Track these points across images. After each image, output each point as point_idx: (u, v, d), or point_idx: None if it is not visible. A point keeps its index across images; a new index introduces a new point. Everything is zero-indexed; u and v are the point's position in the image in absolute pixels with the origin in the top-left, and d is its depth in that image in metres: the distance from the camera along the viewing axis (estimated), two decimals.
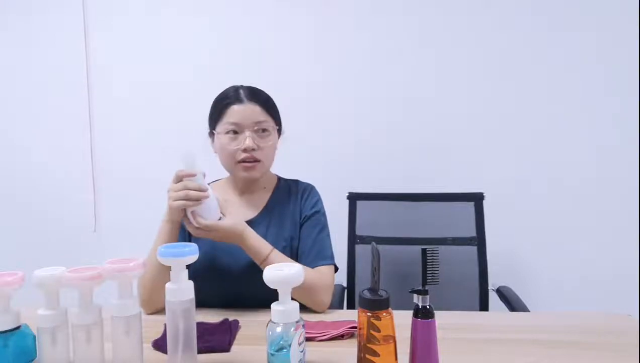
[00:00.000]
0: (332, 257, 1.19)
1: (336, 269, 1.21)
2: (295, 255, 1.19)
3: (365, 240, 1.60)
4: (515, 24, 1.86)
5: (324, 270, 1.15)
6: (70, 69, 2.06)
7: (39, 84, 2.09)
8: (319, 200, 1.26)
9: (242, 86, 1.20)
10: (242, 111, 1.14)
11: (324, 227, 1.23)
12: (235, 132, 1.14)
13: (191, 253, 0.77)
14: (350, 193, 1.64)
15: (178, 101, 2.01)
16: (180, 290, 0.76)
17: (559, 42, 1.85)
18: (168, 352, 0.76)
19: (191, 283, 0.78)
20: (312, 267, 1.14)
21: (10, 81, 2.11)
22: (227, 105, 1.16)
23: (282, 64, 1.95)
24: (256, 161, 1.15)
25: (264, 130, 1.16)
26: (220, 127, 1.16)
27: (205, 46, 2.00)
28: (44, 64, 2.08)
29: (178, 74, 2.01)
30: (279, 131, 1.23)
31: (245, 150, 1.13)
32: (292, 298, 0.74)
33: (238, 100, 1.15)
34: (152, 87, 2.02)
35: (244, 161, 1.14)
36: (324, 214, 1.25)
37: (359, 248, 1.59)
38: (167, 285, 0.76)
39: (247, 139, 1.12)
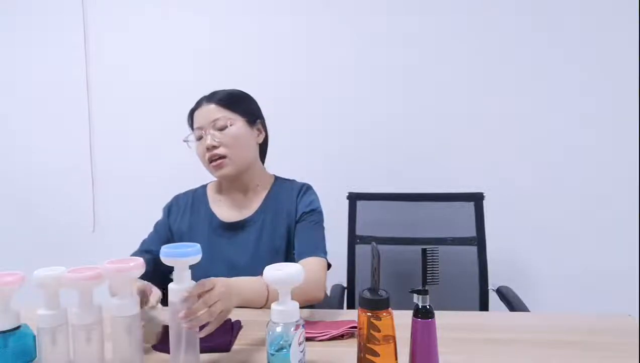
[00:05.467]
0: (323, 251, 1.18)
1: (329, 266, 1.20)
2: (291, 253, 1.19)
3: (365, 240, 1.59)
4: (516, 24, 1.86)
5: (315, 263, 1.12)
6: (70, 69, 2.06)
7: (39, 84, 2.09)
8: (315, 199, 1.26)
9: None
10: (201, 114, 1.19)
11: (318, 224, 1.22)
12: (201, 136, 1.19)
13: (194, 253, 0.77)
14: (350, 193, 1.64)
15: (178, 101, 1.99)
16: (184, 290, 0.75)
17: (559, 43, 1.85)
18: (171, 352, 0.76)
19: (194, 284, 0.78)
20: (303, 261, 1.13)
21: (10, 81, 2.11)
22: (192, 113, 1.24)
23: (282, 64, 1.95)
24: (221, 157, 1.16)
25: (222, 126, 1.17)
26: (193, 135, 1.22)
27: (205, 45, 2.00)
28: (44, 64, 2.08)
29: (178, 74, 2.01)
30: (251, 122, 1.22)
31: (208, 149, 1.16)
32: None
33: (198, 106, 1.21)
34: (152, 87, 2.02)
35: (211, 160, 1.17)
36: (320, 212, 1.24)
37: (359, 248, 1.59)
38: (170, 285, 0.76)
39: (207, 139, 1.16)
